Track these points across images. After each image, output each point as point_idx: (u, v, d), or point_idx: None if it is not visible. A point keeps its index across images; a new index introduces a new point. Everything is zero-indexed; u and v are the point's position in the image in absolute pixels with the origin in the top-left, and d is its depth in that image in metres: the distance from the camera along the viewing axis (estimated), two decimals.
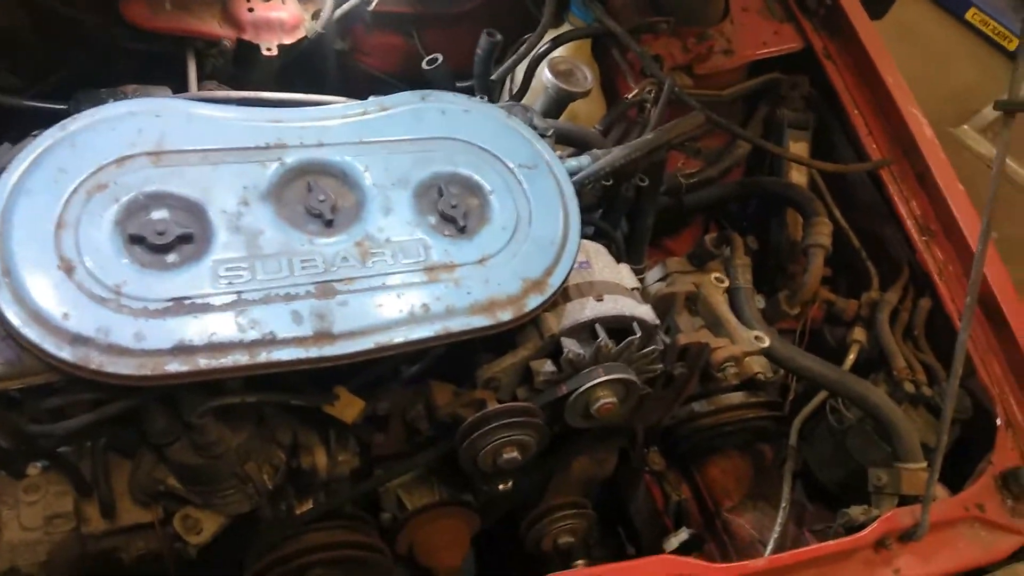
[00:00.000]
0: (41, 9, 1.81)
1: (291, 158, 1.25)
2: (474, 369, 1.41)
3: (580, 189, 1.52)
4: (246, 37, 1.88)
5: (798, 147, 2.04)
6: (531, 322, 1.41)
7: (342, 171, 1.28)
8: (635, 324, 1.43)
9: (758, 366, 1.72)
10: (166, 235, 1.13)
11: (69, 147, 1.16)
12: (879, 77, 2.03)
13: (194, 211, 1.17)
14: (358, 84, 2.29)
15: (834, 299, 1.95)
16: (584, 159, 1.52)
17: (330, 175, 1.28)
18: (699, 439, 1.85)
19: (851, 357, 1.87)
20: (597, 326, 1.40)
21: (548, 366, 1.40)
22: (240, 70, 1.98)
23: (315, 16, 1.98)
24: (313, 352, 1.11)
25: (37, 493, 1.36)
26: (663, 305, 1.64)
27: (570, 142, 1.62)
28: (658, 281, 1.85)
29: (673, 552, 1.83)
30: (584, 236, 1.65)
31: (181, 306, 1.09)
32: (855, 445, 1.79)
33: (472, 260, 1.26)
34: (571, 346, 1.39)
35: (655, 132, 1.53)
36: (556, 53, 1.94)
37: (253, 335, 1.10)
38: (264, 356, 1.09)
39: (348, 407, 1.33)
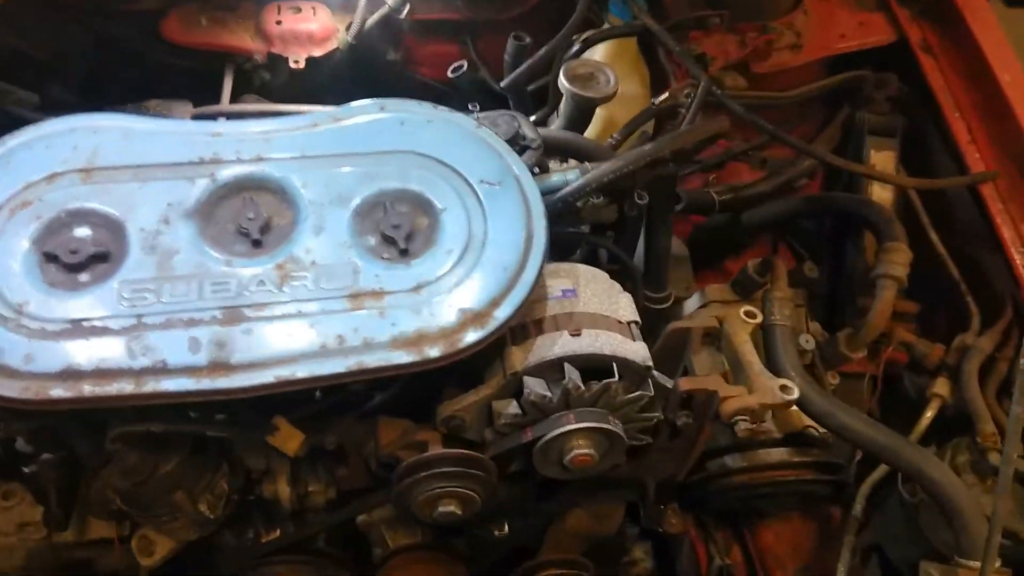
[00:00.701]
0: (92, 28, 1.89)
1: (224, 173, 1.18)
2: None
3: (566, 208, 1.35)
4: (275, 50, 1.86)
5: (882, 157, 1.73)
6: (498, 357, 1.26)
7: (280, 187, 1.20)
8: (615, 365, 1.24)
9: (809, 419, 1.46)
10: (79, 254, 1.09)
11: (3, 164, 1.15)
12: (992, 74, 1.68)
13: (114, 229, 1.13)
14: (414, 95, 2.23)
15: (914, 341, 1.62)
16: (572, 173, 1.34)
17: (268, 191, 1.20)
18: (732, 499, 1.60)
19: (928, 415, 1.55)
20: (567, 365, 1.23)
21: (512, 408, 1.24)
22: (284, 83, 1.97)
23: (349, 27, 1.93)
24: (205, 384, 1.03)
25: (13, 499, 1.39)
26: (675, 342, 1.42)
27: (567, 153, 1.45)
28: (700, 308, 1.63)
29: None
30: (584, 260, 1.48)
31: (78, 328, 1.05)
32: (928, 523, 1.47)
33: (406, 287, 1.13)
34: (534, 386, 1.22)
35: (655, 142, 1.32)
36: (596, 55, 1.77)
37: (143, 362, 1.03)
38: (151, 386, 1.02)
39: (289, 439, 1.24)
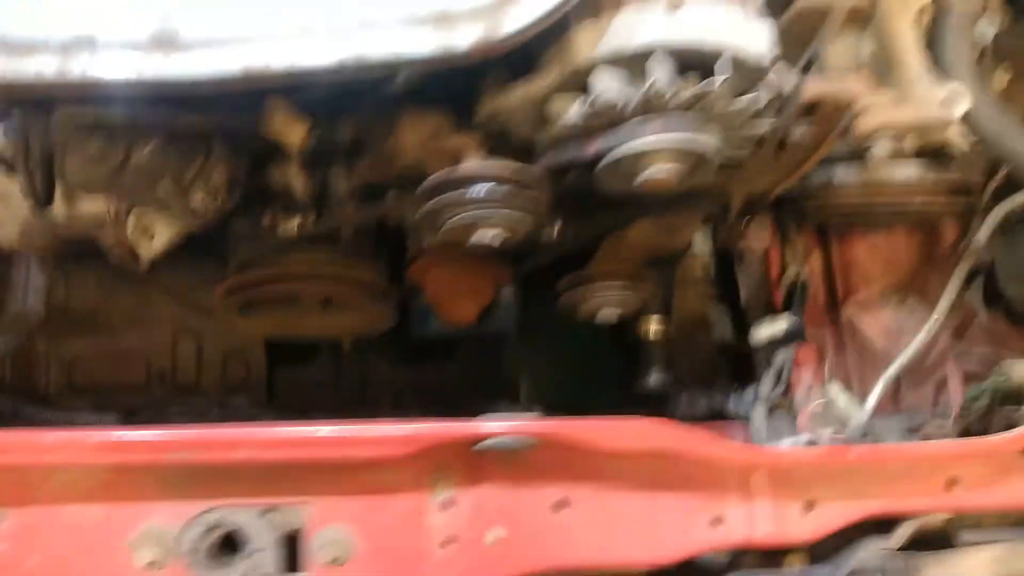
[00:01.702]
0: None
1: None
2: None
3: None
4: None
5: None
6: (559, 39, 0.92)
7: None
8: (727, 59, 0.89)
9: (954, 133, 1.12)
10: None
11: None
12: None
13: None
14: None
15: None
16: None
17: None
18: (834, 215, 1.33)
19: None
20: (657, 55, 0.89)
21: (576, 108, 0.93)
22: None
23: None
24: (148, 68, 0.74)
25: None
26: (804, 24, 1.03)
27: None
28: None
29: (763, 343, 1.43)
30: None
31: None
32: None
33: None
34: (608, 82, 0.90)
35: None
36: None
37: (62, 34, 0.74)
38: (77, 68, 0.74)
39: (290, 128, 0.99)
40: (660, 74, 0.89)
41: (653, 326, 1.54)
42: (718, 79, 0.89)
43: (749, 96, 0.94)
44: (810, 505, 0.94)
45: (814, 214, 1.36)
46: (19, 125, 1.03)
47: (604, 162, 0.95)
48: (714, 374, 1.77)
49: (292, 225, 1.24)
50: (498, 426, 0.85)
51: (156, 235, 1.17)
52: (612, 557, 0.89)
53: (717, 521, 0.91)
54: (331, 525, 0.87)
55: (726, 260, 1.62)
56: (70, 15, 0.74)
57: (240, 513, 0.86)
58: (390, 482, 0.88)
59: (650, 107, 0.91)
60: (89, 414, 1.61)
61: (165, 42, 0.74)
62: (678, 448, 0.87)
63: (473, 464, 0.89)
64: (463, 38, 0.76)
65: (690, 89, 0.89)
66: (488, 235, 0.94)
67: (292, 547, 0.87)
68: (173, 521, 0.85)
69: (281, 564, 0.86)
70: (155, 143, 0.96)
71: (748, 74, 0.92)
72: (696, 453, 0.88)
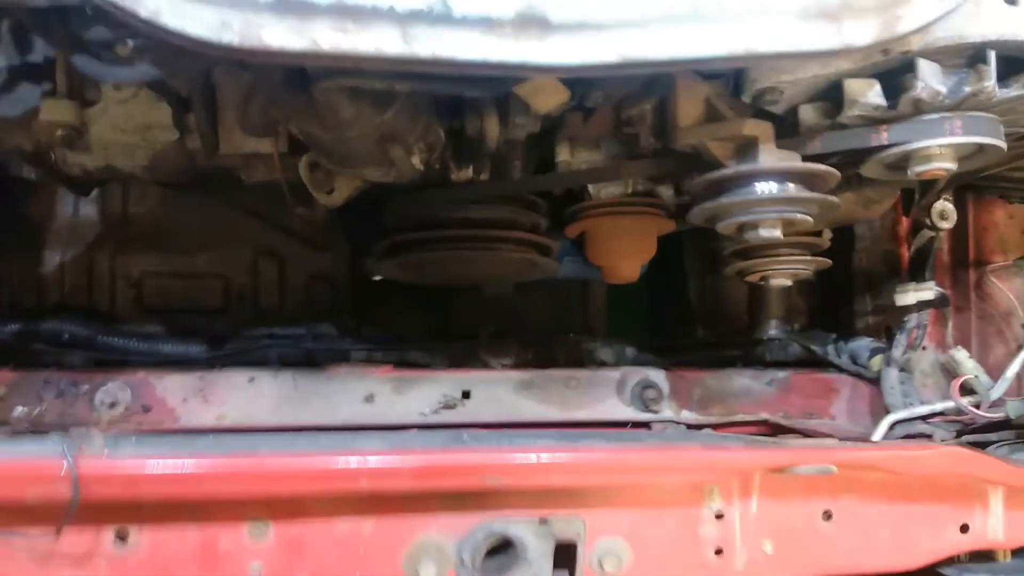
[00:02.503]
0: None
1: None
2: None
3: None
4: None
5: None
6: None
7: None
8: None
9: None
10: None
11: None
12: None
13: None
14: None
15: None
16: None
17: None
18: (1017, 192, 1.29)
19: None
20: (990, 53, 0.81)
21: (875, 95, 0.85)
22: None
23: None
24: (509, 52, 0.62)
25: (127, 92, 1.03)
26: None
27: None
28: None
29: (906, 306, 1.42)
30: None
31: None
32: None
33: None
34: (929, 76, 0.82)
35: None
36: None
37: (409, 1, 0.61)
38: (424, 45, 0.61)
39: (544, 93, 0.87)
40: (988, 72, 0.81)
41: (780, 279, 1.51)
42: None
43: None
44: None
45: (990, 188, 1.33)
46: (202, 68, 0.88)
47: (892, 152, 0.88)
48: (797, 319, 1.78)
49: (467, 173, 1.14)
50: (802, 455, 0.82)
51: (337, 189, 1.04)
52: (872, 563, 0.89)
53: (964, 528, 0.92)
54: (606, 536, 0.83)
55: None
56: None
57: (517, 524, 0.81)
58: (666, 496, 0.84)
59: (971, 105, 0.84)
60: (174, 343, 1.47)
61: (533, 22, 0.62)
62: (982, 475, 0.86)
63: (746, 478, 0.86)
64: (860, 34, 0.66)
65: (1015, 90, 0.82)
66: (771, 233, 0.87)
67: (569, 557, 0.83)
68: (450, 533, 0.79)
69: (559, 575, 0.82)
70: (396, 107, 0.84)
71: None
72: (994, 479, 0.87)
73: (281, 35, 0.59)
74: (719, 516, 0.86)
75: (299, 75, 0.75)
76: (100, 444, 0.74)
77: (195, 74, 0.92)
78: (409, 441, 0.92)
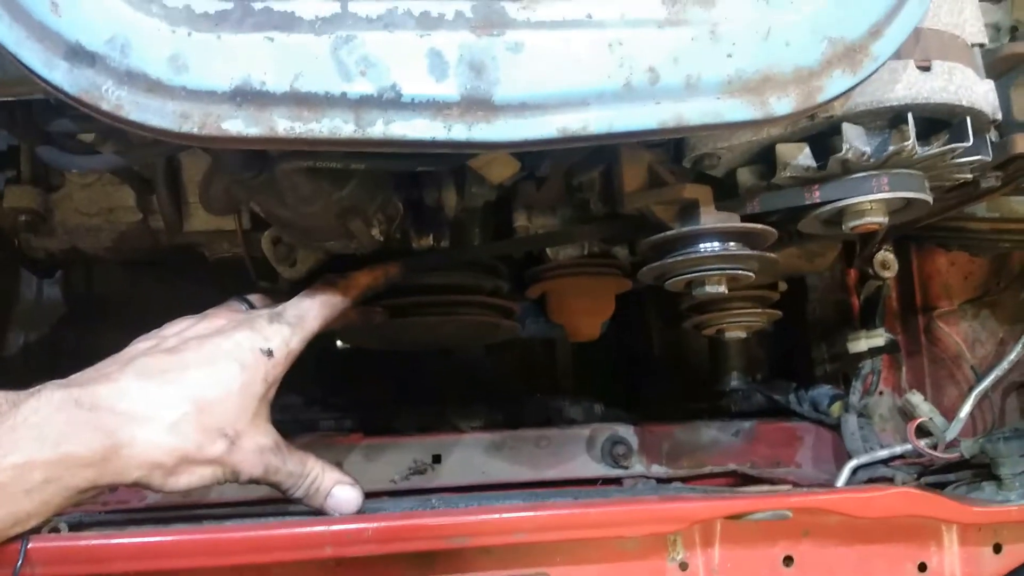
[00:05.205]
0: None
1: None
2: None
3: None
4: None
5: None
6: None
7: None
8: (967, 121, 0.88)
9: None
10: None
11: None
12: None
13: None
14: None
15: None
16: None
17: None
18: (952, 242, 1.36)
19: None
20: (909, 116, 0.87)
21: (805, 157, 0.90)
22: None
23: None
24: (458, 131, 0.66)
25: (90, 176, 1.07)
26: (1000, 68, 1.03)
27: None
28: None
29: (859, 353, 1.46)
30: None
31: (248, 12, 0.64)
32: None
33: None
34: (853, 139, 0.88)
35: None
36: None
37: (363, 87, 0.65)
38: (378, 128, 0.65)
39: (497, 165, 0.91)
40: (909, 133, 0.87)
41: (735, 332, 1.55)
42: (959, 145, 0.89)
43: (975, 158, 0.93)
44: (998, 548, 0.98)
45: (930, 240, 1.39)
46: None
47: (824, 209, 0.94)
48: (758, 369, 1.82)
49: (427, 241, 1.17)
50: (758, 503, 0.84)
51: (300, 262, 1.07)
52: None
53: (923, 567, 0.94)
54: None
55: None
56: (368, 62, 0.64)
57: None
58: (629, 549, 0.86)
59: (895, 162, 0.89)
60: None
61: (478, 104, 0.66)
62: (935, 514, 0.89)
63: (708, 527, 0.88)
64: (782, 105, 0.72)
65: (934, 148, 0.89)
66: (715, 289, 0.91)
67: None
68: None
69: None
70: (354, 183, 0.88)
71: (977, 133, 0.92)
72: (947, 517, 0.90)
73: (239, 124, 0.63)
74: (683, 566, 0.88)
75: (259, 155, 0.79)
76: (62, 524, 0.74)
77: (158, 159, 0.96)
78: (376, 507, 0.93)
